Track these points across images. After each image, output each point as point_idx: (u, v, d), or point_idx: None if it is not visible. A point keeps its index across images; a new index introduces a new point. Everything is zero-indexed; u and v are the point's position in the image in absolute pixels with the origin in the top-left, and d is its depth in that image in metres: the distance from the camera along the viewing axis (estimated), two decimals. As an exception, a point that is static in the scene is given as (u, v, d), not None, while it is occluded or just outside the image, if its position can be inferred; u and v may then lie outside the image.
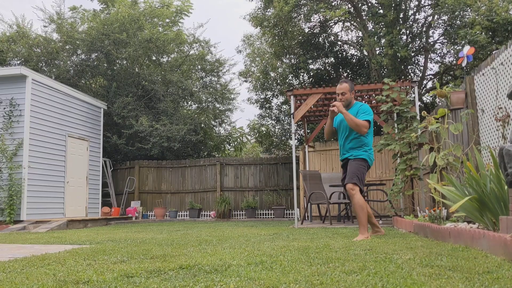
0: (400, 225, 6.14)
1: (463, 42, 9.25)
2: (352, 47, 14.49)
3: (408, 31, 11.94)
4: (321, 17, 12.78)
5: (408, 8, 12.17)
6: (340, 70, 14.35)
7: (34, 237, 6.18)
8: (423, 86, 13.17)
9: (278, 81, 14.67)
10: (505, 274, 2.08)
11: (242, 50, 17.17)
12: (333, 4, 12.55)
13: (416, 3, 12.41)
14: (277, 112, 15.52)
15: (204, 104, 15.74)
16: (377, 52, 12.10)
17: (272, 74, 14.93)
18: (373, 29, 11.92)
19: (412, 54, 12.04)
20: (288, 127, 14.79)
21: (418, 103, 7.92)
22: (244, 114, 41.31)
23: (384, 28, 11.39)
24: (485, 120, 5.05)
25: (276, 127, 15.69)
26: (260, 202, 13.21)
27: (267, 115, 15.83)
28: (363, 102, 9.22)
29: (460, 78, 10.63)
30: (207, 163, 13.75)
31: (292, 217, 12.22)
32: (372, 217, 4.79)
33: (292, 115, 8.31)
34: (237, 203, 13.38)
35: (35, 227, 8.71)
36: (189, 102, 16.23)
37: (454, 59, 12.06)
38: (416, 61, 13.45)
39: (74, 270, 2.62)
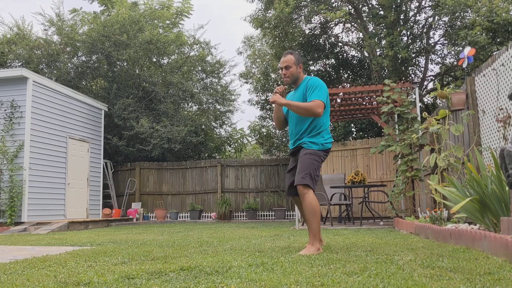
0: (401, 226, 6.14)
1: (463, 43, 9.25)
2: (352, 48, 14.50)
3: (408, 32, 11.95)
4: (321, 18, 12.79)
5: (408, 9, 12.17)
6: (341, 71, 14.36)
7: (35, 239, 6.18)
8: (424, 87, 13.17)
9: (279, 82, 14.67)
10: (506, 275, 2.08)
11: (243, 51, 17.20)
12: (333, 5, 12.55)
13: (417, 4, 12.42)
14: (278, 113, 15.48)
15: (204, 106, 15.75)
16: (378, 53, 12.10)
17: (273, 76, 14.94)
18: (373, 30, 11.92)
19: (413, 55, 12.04)
20: (289, 128, 14.76)
21: (419, 104, 7.92)
22: (244, 115, 41.33)
23: (384, 29, 11.39)
24: (486, 121, 5.04)
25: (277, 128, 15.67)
26: (261, 204, 13.20)
27: (268, 116, 15.83)
28: (364, 103, 9.20)
29: (461, 79, 10.63)
30: (207, 164, 13.75)
31: (293, 219, 12.21)
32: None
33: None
34: (238, 205, 13.37)
35: (36, 228, 8.71)
36: (190, 104, 16.25)
37: (455, 60, 12.06)
38: (417, 62, 13.45)
39: (75, 272, 2.62)
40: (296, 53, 3.74)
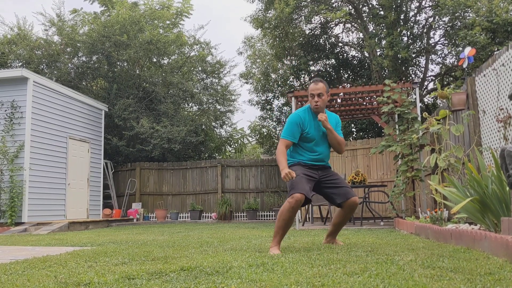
0: (402, 226, 6.13)
1: (463, 43, 9.25)
2: (353, 49, 14.50)
3: (409, 33, 11.95)
4: (322, 18, 12.79)
5: (408, 10, 12.17)
6: (341, 71, 14.36)
7: (36, 239, 6.18)
8: (424, 87, 13.17)
9: (279, 82, 14.68)
10: (507, 275, 2.07)
11: (243, 51, 17.22)
12: (334, 5, 12.56)
13: (417, 4, 12.42)
14: (278, 113, 15.53)
15: (205, 106, 15.75)
16: (378, 53, 12.10)
17: (273, 76, 14.94)
18: (373, 31, 11.93)
19: (413, 55, 12.04)
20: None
21: (419, 104, 7.92)
22: (245, 115, 41.38)
23: (384, 30, 11.39)
24: (486, 121, 5.04)
25: (277, 129, 15.70)
26: (261, 204, 13.20)
27: (268, 116, 15.84)
28: (364, 103, 9.21)
29: (461, 79, 10.62)
30: (208, 164, 13.75)
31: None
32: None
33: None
34: (238, 205, 13.38)
35: (37, 229, 8.71)
36: (190, 104, 16.25)
37: (455, 60, 12.06)
38: (417, 63, 13.45)
39: (75, 272, 2.62)
40: (324, 81, 3.91)
